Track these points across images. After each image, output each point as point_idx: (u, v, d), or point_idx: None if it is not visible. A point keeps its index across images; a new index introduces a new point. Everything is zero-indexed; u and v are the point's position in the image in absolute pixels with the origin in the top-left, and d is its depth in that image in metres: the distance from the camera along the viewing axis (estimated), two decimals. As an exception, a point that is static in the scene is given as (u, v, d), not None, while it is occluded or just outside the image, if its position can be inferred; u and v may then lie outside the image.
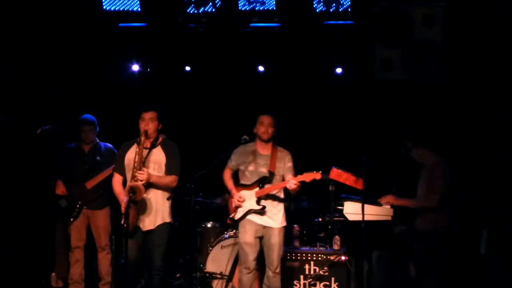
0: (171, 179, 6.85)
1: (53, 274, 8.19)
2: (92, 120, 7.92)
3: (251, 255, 7.14)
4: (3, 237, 8.19)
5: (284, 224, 7.24)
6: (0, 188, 8.16)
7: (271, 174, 7.15)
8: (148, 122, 6.80)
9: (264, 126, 7.15)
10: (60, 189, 7.83)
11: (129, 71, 9.09)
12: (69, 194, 7.81)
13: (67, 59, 8.74)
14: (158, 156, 6.86)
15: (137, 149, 6.74)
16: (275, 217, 7.18)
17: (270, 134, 7.18)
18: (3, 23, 8.30)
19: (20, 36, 8.41)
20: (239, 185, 7.30)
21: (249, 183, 7.22)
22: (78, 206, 7.78)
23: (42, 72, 8.70)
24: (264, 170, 7.17)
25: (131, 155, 6.81)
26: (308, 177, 6.98)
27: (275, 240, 7.14)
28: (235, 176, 7.37)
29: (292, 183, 6.96)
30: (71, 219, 7.77)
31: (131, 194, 6.53)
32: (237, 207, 7.22)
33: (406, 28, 8.01)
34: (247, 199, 7.18)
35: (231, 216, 7.32)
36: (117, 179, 6.93)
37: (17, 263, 8.25)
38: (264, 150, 7.23)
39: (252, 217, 7.17)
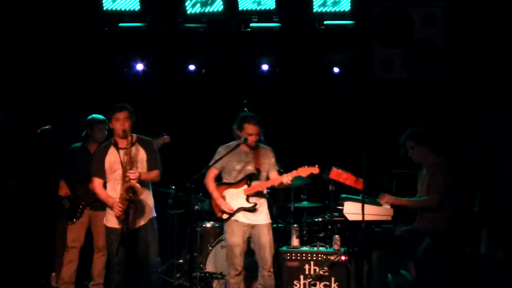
0: (156, 174, 6.91)
1: (53, 274, 8.18)
2: (104, 118, 7.88)
3: (239, 257, 7.10)
4: (3, 237, 8.18)
5: (270, 220, 7.23)
6: (0, 188, 8.15)
7: (258, 171, 7.14)
8: (124, 122, 6.81)
9: (253, 136, 7.09)
10: (63, 190, 7.82)
11: (128, 71, 9.09)
12: (73, 195, 7.81)
13: (67, 59, 8.74)
14: (138, 154, 6.87)
15: (125, 150, 6.70)
16: (261, 213, 7.16)
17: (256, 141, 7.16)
18: (4, 24, 8.29)
19: (19, 36, 8.41)
20: (223, 184, 7.23)
21: (234, 181, 7.17)
22: (81, 207, 7.78)
23: (42, 72, 8.69)
24: (250, 168, 7.15)
25: (110, 158, 6.83)
26: (304, 172, 6.99)
27: (266, 239, 7.10)
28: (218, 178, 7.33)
29: (288, 178, 6.97)
30: (74, 220, 7.76)
31: (131, 194, 6.53)
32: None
33: (406, 28, 8.01)
34: (235, 197, 7.14)
35: (218, 216, 7.24)
36: (98, 183, 6.89)
37: (17, 263, 8.24)
38: (247, 148, 7.18)
39: (238, 217, 7.12)
